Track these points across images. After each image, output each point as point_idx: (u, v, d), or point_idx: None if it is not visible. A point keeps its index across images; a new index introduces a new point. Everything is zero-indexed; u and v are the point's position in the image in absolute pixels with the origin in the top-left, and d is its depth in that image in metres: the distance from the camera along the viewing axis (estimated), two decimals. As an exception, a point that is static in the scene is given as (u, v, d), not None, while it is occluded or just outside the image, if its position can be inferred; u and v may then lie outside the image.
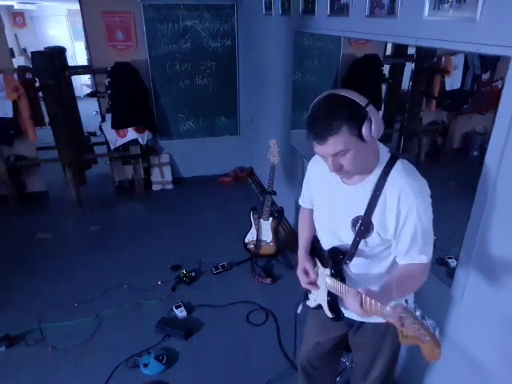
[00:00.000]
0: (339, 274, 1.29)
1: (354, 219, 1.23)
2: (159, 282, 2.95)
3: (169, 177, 4.62)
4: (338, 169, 1.13)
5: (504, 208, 1.27)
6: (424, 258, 1.20)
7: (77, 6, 4.01)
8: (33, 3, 8.26)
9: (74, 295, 2.82)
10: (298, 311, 1.40)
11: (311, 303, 1.46)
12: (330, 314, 1.37)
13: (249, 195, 4.44)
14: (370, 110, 1.09)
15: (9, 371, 2.25)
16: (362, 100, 1.09)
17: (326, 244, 1.38)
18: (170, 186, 4.62)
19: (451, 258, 1.61)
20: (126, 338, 2.45)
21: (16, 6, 8.42)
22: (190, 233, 3.66)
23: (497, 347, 1.40)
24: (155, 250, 3.38)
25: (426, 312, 1.78)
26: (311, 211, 1.48)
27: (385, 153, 1.21)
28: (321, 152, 1.12)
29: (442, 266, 1.68)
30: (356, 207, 1.22)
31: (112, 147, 4.19)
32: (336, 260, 1.29)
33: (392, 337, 1.37)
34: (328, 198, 1.32)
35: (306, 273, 1.38)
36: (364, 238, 1.23)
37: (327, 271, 1.33)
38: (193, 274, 2.99)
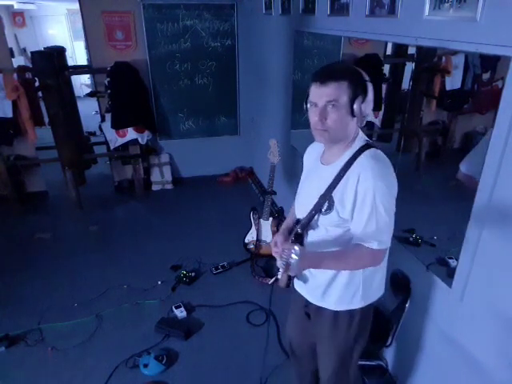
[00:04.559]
0: (297, 238, 1.35)
1: (320, 196, 1.29)
2: (159, 282, 2.94)
3: (169, 177, 4.62)
4: (321, 120, 1.19)
5: (504, 208, 1.27)
6: (374, 243, 1.22)
7: (77, 6, 4.01)
8: (32, 3, 8.25)
9: (74, 295, 2.82)
10: (269, 282, 1.46)
11: (279, 275, 1.47)
12: (284, 281, 1.40)
13: (249, 195, 4.44)
14: (370, 87, 1.18)
15: (9, 371, 2.25)
16: (366, 75, 1.20)
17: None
18: (169, 186, 4.62)
19: (451, 258, 1.61)
20: (126, 338, 2.45)
21: (16, 6, 8.41)
22: (190, 233, 3.66)
23: (497, 347, 1.40)
24: (155, 250, 3.38)
25: (425, 312, 1.78)
26: None
27: (361, 140, 1.28)
28: (317, 95, 1.19)
29: (442, 266, 1.68)
30: (324, 185, 1.28)
31: (112, 147, 4.19)
32: (296, 230, 1.36)
33: (340, 325, 1.43)
34: (308, 179, 1.44)
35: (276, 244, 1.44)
36: (320, 213, 1.29)
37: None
38: (193, 274, 2.98)
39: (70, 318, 2.60)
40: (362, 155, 1.22)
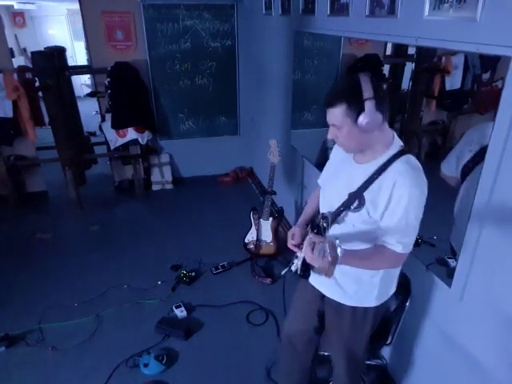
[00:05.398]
0: (319, 232, 1.33)
1: (350, 194, 1.32)
2: (159, 282, 2.94)
3: (169, 177, 4.62)
4: (334, 138, 1.29)
5: (503, 208, 1.27)
6: (399, 247, 1.26)
7: (77, 6, 4.02)
8: (33, 3, 8.26)
9: (74, 295, 2.82)
10: (282, 273, 1.47)
11: (293, 267, 1.49)
12: (299, 270, 1.41)
13: (249, 195, 4.44)
14: (368, 104, 1.18)
15: (9, 371, 2.25)
16: (368, 92, 1.18)
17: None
18: (169, 186, 4.62)
19: (451, 258, 1.61)
20: (126, 338, 2.45)
21: (16, 6, 8.42)
22: (190, 233, 3.66)
23: (497, 347, 1.40)
24: (155, 250, 3.38)
25: (425, 312, 1.78)
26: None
27: (396, 145, 1.30)
28: (327, 117, 1.27)
29: (442, 266, 1.68)
30: (355, 183, 1.31)
31: (112, 147, 4.19)
32: (317, 222, 1.36)
33: (356, 321, 1.49)
34: (337, 174, 1.45)
35: (293, 237, 1.46)
36: (349, 210, 1.32)
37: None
38: (193, 273, 2.99)
39: (70, 318, 2.61)
40: (398, 161, 1.25)
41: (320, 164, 3.01)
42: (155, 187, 4.59)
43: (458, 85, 1.84)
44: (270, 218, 3.12)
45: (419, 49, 1.81)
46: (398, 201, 1.22)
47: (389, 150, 1.29)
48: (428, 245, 1.90)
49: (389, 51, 2.37)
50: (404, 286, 1.84)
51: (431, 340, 1.77)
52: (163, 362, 2.23)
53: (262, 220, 3.13)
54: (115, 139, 4.11)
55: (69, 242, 3.60)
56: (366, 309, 1.47)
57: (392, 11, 1.70)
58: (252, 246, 3.18)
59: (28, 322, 2.56)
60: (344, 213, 1.34)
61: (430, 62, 1.94)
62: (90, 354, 2.35)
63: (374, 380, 2.14)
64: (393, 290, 1.53)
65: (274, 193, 3.15)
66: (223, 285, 2.95)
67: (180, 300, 2.74)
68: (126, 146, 4.15)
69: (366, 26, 1.94)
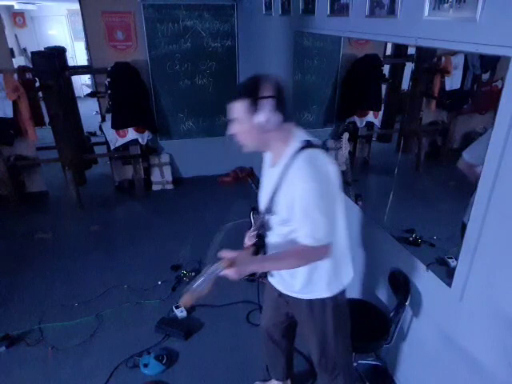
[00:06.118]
0: (259, 242, 1.48)
1: (268, 198, 1.38)
2: (159, 282, 2.94)
3: (169, 177, 4.62)
4: (234, 134, 1.33)
5: (504, 208, 1.27)
6: (310, 240, 1.28)
7: (77, 6, 4.02)
8: (33, 3, 8.26)
9: (74, 295, 2.82)
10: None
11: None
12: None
13: (249, 195, 4.44)
14: (264, 104, 1.21)
15: (9, 371, 2.25)
16: (266, 91, 1.21)
17: None
18: (170, 186, 4.62)
19: (451, 258, 1.61)
20: (126, 338, 2.45)
21: (16, 6, 8.41)
22: (190, 233, 3.66)
23: (497, 347, 1.40)
24: (155, 250, 3.38)
25: (425, 312, 1.78)
26: None
27: (297, 140, 1.32)
28: (229, 112, 1.31)
29: (442, 266, 1.68)
30: (270, 187, 1.36)
31: (112, 147, 4.19)
32: (257, 232, 1.49)
33: (315, 314, 1.53)
34: (263, 181, 1.50)
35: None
36: (270, 214, 1.38)
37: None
38: (193, 273, 2.98)
39: (70, 318, 2.61)
40: (298, 157, 1.27)
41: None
42: (155, 187, 4.59)
43: (457, 85, 1.85)
44: (270, 218, 3.11)
45: (419, 49, 1.81)
46: (297, 198, 1.24)
47: (290, 146, 1.31)
48: (428, 245, 1.90)
49: (389, 51, 2.38)
50: (403, 286, 1.84)
51: (431, 340, 1.77)
52: (163, 362, 2.23)
53: (261, 220, 3.12)
54: (115, 139, 4.11)
55: (69, 241, 3.60)
56: (321, 300, 1.49)
57: (392, 11, 1.70)
58: (252, 246, 3.17)
59: (28, 322, 2.57)
60: (267, 218, 1.41)
61: (429, 62, 1.94)
62: (90, 354, 2.35)
63: (374, 380, 2.14)
64: (346, 279, 1.54)
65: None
66: (223, 285, 2.93)
67: (180, 300, 2.74)
68: (126, 146, 4.15)
69: (365, 26, 1.94)
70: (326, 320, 1.53)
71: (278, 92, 1.24)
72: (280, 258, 1.40)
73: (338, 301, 1.52)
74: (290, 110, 1.32)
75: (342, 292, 1.53)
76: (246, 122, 1.26)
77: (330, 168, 1.29)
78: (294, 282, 1.49)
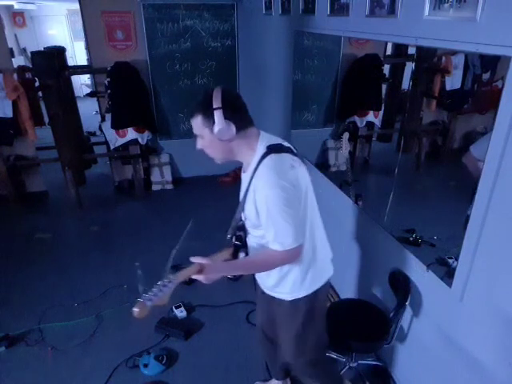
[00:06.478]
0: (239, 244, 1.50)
1: (239, 204, 1.43)
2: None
3: (169, 177, 4.62)
4: (202, 149, 1.37)
5: (504, 207, 1.27)
6: (277, 245, 1.29)
7: (77, 6, 4.02)
8: (33, 3, 8.25)
9: (74, 295, 2.82)
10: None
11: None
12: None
13: (249, 195, 4.44)
14: (217, 115, 1.25)
15: (9, 371, 2.25)
16: (216, 102, 1.25)
17: None
18: (169, 186, 4.62)
19: (451, 258, 1.61)
20: (126, 338, 2.45)
21: (16, 6, 8.41)
22: (190, 233, 3.65)
23: (497, 347, 1.40)
24: (155, 250, 3.38)
25: (425, 312, 1.78)
26: None
27: (262, 146, 1.34)
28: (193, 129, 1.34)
29: (442, 266, 1.68)
30: (242, 193, 1.41)
31: (112, 147, 4.19)
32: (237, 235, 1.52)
33: (291, 314, 1.55)
34: (241, 187, 1.50)
35: None
36: (244, 219, 1.43)
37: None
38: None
39: (70, 318, 2.61)
40: (260, 164, 1.29)
41: (320, 164, 3.02)
42: (155, 187, 4.59)
43: (458, 85, 1.84)
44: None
45: (419, 49, 1.81)
46: (260, 204, 1.28)
47: (256, 152, 1.34)
48: (428, 245, 1.90)
49: (389, 51, 2.37)
50: (404, 286, 1.84)
51: (431, 340, 1.77)
52: (163, 362, 2.23)
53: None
54: (115, 139, 4.11)
55: (69, 242, 3.60)
56: (296, 300, 1.50)
57: (392, 11, 1.70)
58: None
59: (28, 322, 2.56)
60: (242, 222, 1.45)
61: (430, 61, 1.94)
62: (90, 354, 2.35)
63: (374, 380, 2.14)
64: (323, 278, 1.54)
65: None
66: (223, 285, 2.94)
67: (180, 300, 2.74)
68: (125, 145, 4.15)
69: (366, 25, 1.94)
70: (298, 320, 1.54)
71: (227, 102, 1.27)
72: (249, 263, 1.45)
73: (313, 301, 1.53)
74: (246, 116, 1.35)
75: (318, 291, 1.53)
76: (205, 135, 1.31)
77: (295, 172, 1.31)
78: (268, 280, 1.53)
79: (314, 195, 1.44)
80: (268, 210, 1.25)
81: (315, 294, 1.52)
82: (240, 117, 1.31)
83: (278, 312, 1.62)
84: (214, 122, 1.26)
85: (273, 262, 1.36)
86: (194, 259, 1.36)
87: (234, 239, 1.51)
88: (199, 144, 1.37)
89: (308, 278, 1.48)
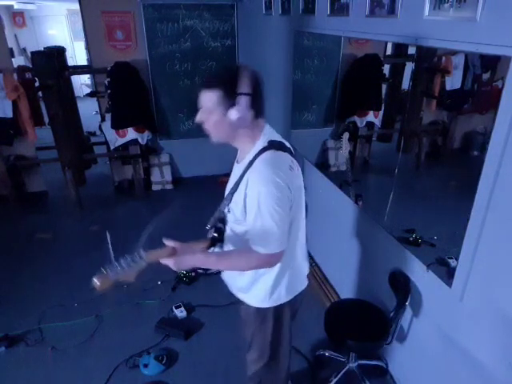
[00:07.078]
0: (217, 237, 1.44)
1: (227, 194, 1.36)
2: (159, 282, 2.94)
3: (169, 177, 4.61)
4: (202, 122, 1.25)
5: (504, 208, 1.27)
6: (261, 248, 1.21)
7: (77, 6, 4.01)
8: (33, 3, 8.25)
9: (74, 295, 2.82)
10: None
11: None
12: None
13: (249, 195, 4.44)
14: (243, 101, 1.15)
15: (9, 371, 2.25)
16: (243, 87, 1.14)
17: None
18: (169, 186, 4.62)
19: (451, 258, 1.61)
20: (126, 338, 2.45)
21: (16, 6, 8.41)
22: (190, 233, 3.65)
23: (497, 347, 1.40)
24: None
25: (425, 312, 1.78)
26: None
27: (263, 140, 1.27)
28: (200, 99, 1.23)
29: (442, 266, 1.68)
30: (232, 184, 1.33)
31: (112, 147, 4.19)
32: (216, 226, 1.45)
33: (256, 322, 1.49)
34: (231, 176, 1.45)
35: None
36: (228, 211, 1.34)
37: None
38: (193, 273, 2.98)
39: (70, 318, 2.61)
40: (258, 158, 1.22)
41: (320, 164, 3.01)
42: (155, 187, 4.59)
43: (458, 85, 1.84)
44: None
45: (419, 49, 1.81)
46: (250, 200, 1.20)
47: (256, 145, 1.26)
48: (428, 245, 1.90)
49: (389, 51, 2.37)
50: (404, 286, 1.84)
51: (431, 340, 1.77)
52: (163, 362, 2.23)
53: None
54: (115, 139, 4.11)
55: (69, 241, 3.60)
56: (261, 309, 1.44)
57: (392, 11, 1.70)
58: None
59: (28, 322, 2.56)
60: (224, 214, 1.37)
61: (430, 61, 1.94)
62: (89, 354, 2.35)
63: (374, 380, 2.14)
64: (291, 294, 1.45)
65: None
66: (223, 285, 2.93)
67: (180, 300, 2.74)
68: (125, 145, 4.15)
69: (366, 25, 1.94)
70: (263, 330, 1.48)
71: (256, 88, 1.17)
72: (224, 257, 1.35)
73: (279, 312, 1.45)
74: (263, 106, 1.25)
75: (286, 304, 1.45)
76: (216, 114, 1.19)
77: (292, 174, 1.23)
78: (240, 279, 1.44)
79: (303, 208, 1.36)
80: (259, 207, 1.16)
81: (283, 306, 1.44)
82: (261, 106, 1.22)
83: (245, 315, 1.54)
84: (232, 105, 1.15)
85: (248, 262, 1.27)
86: (166, 242, 1.29)
87: (212, 230, 1.43)
88: (201, 117, 1.24)
89: (284, 288, 1.40)
